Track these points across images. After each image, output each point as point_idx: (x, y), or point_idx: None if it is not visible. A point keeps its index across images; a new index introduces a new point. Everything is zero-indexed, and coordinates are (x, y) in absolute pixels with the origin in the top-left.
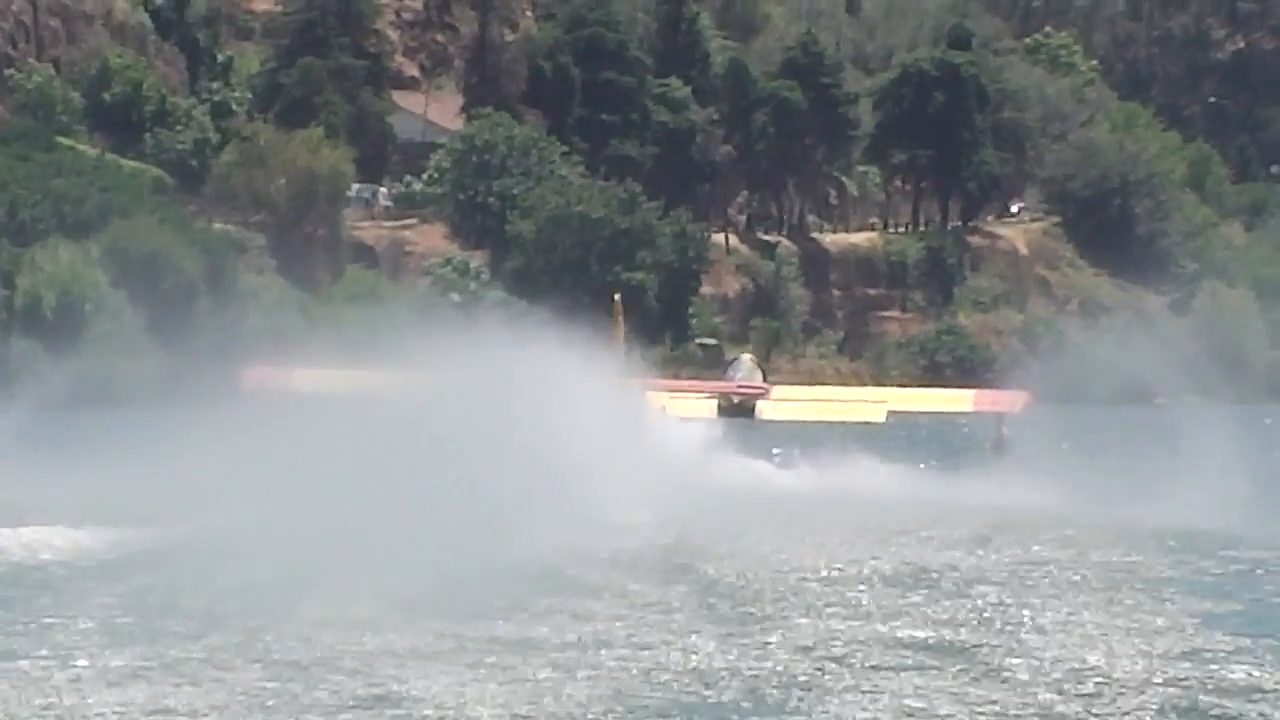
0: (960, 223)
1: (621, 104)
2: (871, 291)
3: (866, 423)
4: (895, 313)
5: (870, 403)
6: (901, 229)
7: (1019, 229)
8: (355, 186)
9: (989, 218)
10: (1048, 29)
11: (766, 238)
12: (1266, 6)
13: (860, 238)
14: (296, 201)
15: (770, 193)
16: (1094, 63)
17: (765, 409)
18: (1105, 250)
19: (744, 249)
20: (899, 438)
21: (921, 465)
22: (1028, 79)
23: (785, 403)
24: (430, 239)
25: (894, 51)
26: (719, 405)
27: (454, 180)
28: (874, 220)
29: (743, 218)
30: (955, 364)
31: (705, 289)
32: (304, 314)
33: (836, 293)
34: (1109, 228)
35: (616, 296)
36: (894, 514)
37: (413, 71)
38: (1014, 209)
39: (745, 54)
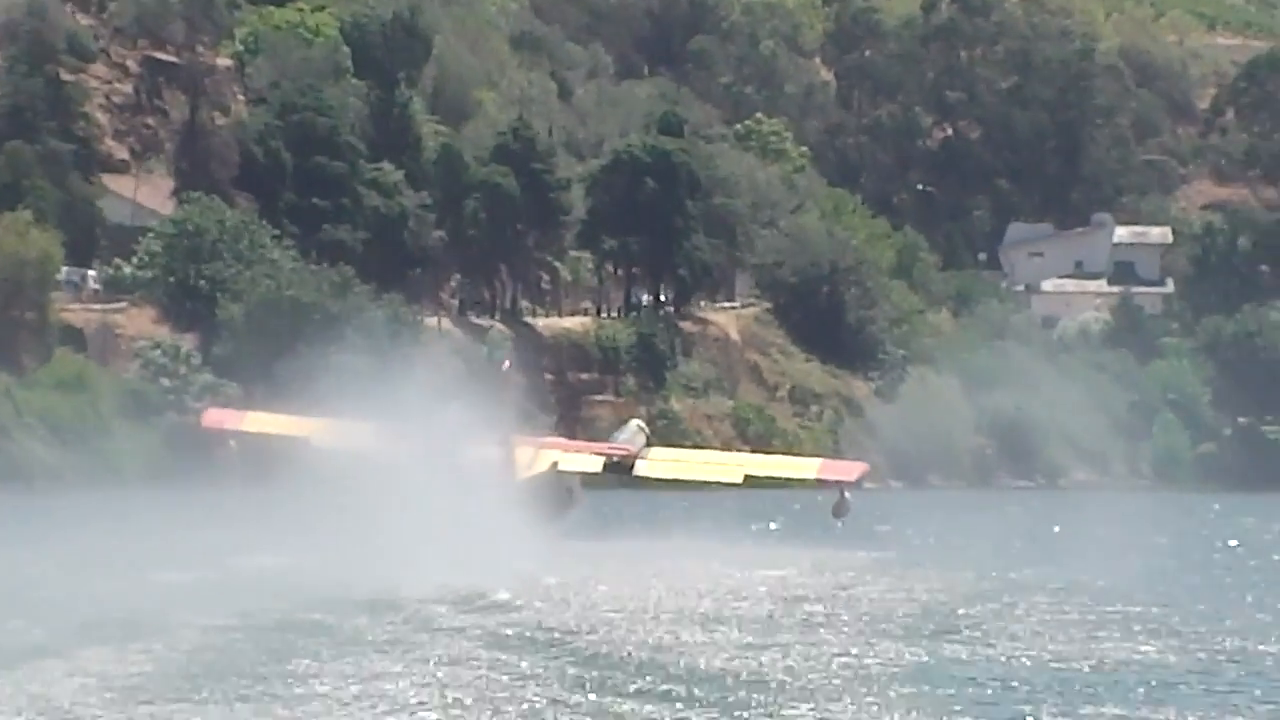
0: (672, 308)
1: (333, 189)
2: (584, 376)
3: (725, 482)
4: (608, 397)
5: (730, 466)
6: (614, 314)
7: (730, 315)
8: (64, 270)
9: (702, 303)
10: (759, 116)
11: (479, 322)
12: (973, 96)
13: (573, 322)
14: (5, 286)
15: (483, 277)
16: (804, 150)
17: (642, 467)
18: (815, 337)
19: (457, 332)
20: None
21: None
22: (739, 166)
23: (658, 463)
24: (140, 323)
25: (606, 138)
26: (605, 463)
27: (164, 264)
28: (587, 305)
29: (455, 302)
30: None
31: (419, 373)
32: (9, 398)
33: (549, 377)
34: (818, 314)
35: (506, 364)
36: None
37: (123, 155)
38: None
39: (457, 140)
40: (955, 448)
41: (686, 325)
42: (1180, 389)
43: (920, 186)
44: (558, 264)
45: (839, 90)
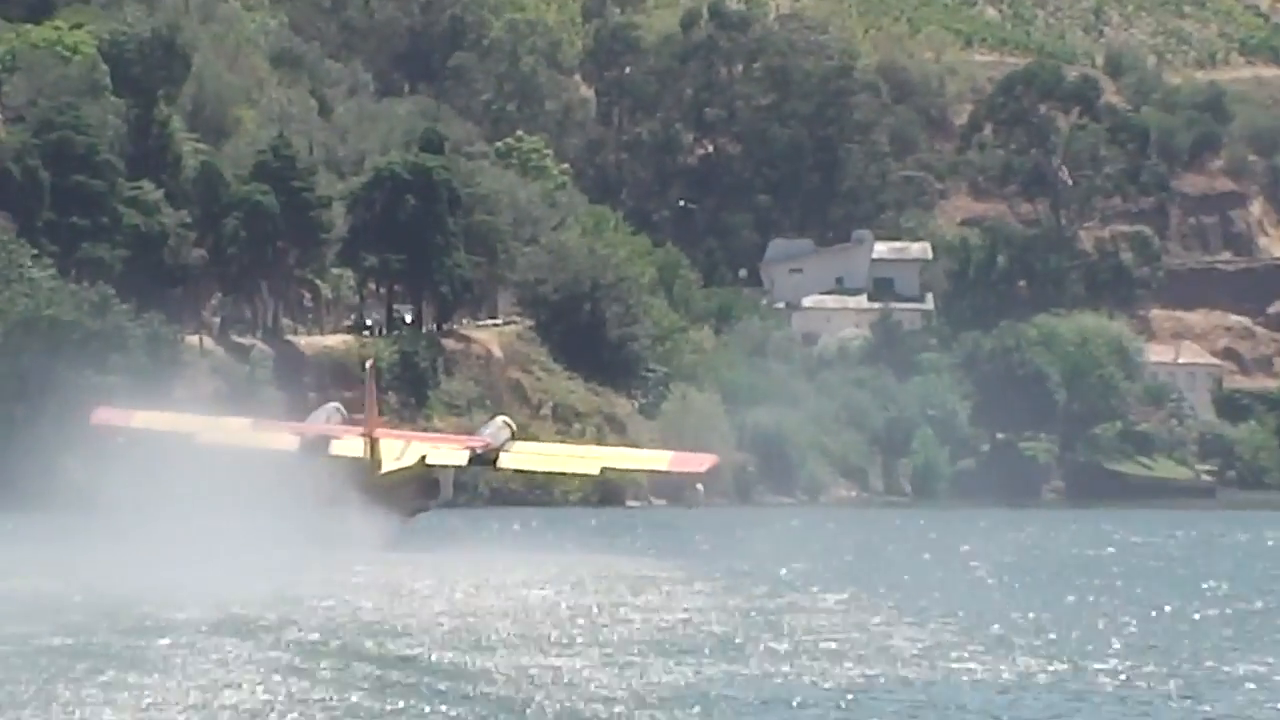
0: (434, 326)
1: (92, 207)
2: (346, 394)
3: (583, 474)
4: None
5: (587, 459)
6: (376, 332)
7: (493, 332)
8: None
9: (464, 320)
10: (519, 133)
11: (240, 340)
12: (732, 112)
13: (334, 340)
14: None
15: (244, 295)
16: (565, 166)
17: (505, 460)
18: (577, 354)
19: (218, 351)
20: None
21: None
22: (499, 183)
23: (520, 455)
24: None
25: (366, 155)
26: (470, 456)
27: None
28: (348, 323)
29: (216, 320)
30: None
31: (179, 392)
32: None
33: (311, 395)
34: (580, 332)
35: (369, 363)
36: None
37: None
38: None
39: (217, 157)
40: (717, 466)
41: (449, 343)
42: (939, 405)
43: (681, 203)
44: (319, 282)
45: (599, 107)
